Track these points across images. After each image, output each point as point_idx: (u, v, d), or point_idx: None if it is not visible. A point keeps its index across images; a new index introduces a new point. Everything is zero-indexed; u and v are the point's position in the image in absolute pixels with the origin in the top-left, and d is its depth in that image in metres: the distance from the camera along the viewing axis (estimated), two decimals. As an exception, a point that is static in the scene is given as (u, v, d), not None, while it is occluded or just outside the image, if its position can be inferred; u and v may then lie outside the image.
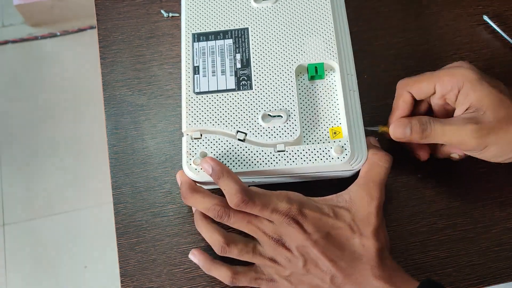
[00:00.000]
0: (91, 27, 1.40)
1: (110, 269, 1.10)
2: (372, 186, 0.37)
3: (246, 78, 0.41)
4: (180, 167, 0.44)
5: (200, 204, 0.37)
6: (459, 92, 0.38)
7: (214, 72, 0.41)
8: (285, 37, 0.42)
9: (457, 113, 0.39)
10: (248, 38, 0.42)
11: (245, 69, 0.41)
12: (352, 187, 0.38)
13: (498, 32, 0.50)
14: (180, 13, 0.51)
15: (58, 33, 1.40)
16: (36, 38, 1.39)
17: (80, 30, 1.40)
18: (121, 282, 0.40)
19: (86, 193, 1.20)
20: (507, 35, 0.50)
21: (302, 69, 0.42)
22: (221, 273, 0.38)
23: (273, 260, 0.37)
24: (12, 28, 1.41)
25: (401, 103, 0.40)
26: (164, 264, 0.41)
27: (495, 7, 0.52)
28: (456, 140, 0.37)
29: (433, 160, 0.44)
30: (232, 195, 0.35)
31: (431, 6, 0.52)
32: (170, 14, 0.51)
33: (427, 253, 0.41)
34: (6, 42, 1.39)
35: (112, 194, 0.43)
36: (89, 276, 1.13)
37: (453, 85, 0.38)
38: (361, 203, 0.37)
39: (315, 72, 0.41)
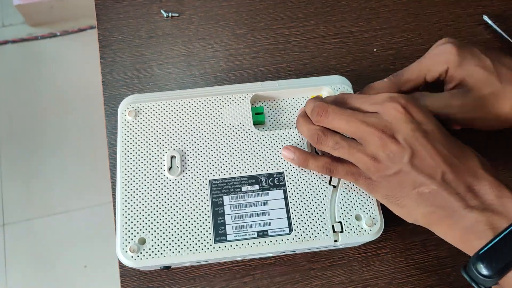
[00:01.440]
0: (91, 27, 1.40)
1: (110, 269, 1.10)
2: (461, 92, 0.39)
3: None
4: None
5: (307, 106, 0.37)
6: (446, 74, 0.40)
7: None
8: None
9: (446, 89, 0.41)
10: None
11: None
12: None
13: (498, 32, 0.50)
14: (180, 13, 0.51)
15: (58, 33, 1.40)
16: (36, 38, 1.39)
17: (80, 30, 1.40)
18: (121, 282, 0.40)
19: (86, 193, 1.20)
20: (507, 35, 0.50)
21: None
22: (319, 162, 0.36)
23: (374, 158, 0.33)
24: (12, 28, 1.41)
25: None
26: (164, 264, 0.41)
27: (495, 7, 0.52)
28: (445, 112, 0.39)
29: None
30: (337, 96, 0.37)
31: (431, 6, 0.52)
32: (170, 14, 0.51)
33: (427, 253, 0.41)
34: (6, 42, 1.39)
35: (112, 194, 0.43)
36: (89, 276, 1.13)
37: (440, 71, 0.40)
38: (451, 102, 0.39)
39: None
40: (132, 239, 0.36)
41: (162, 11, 0.51)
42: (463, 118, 0.39)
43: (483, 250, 0.30)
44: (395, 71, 0.49)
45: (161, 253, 0.36)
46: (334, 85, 0.42)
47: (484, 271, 0.30)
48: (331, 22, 0.51)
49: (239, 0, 0.52)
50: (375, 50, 0.50)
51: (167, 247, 0.36)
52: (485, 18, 0.51)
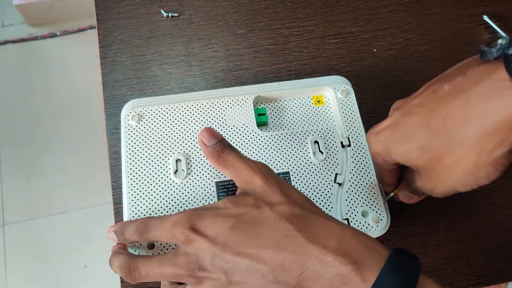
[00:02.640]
0: (91, 27, 1.40)
1: (110, 269, 1.10)
2: (251, 165, 0.34)
3: None
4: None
5: (114, 263, 0.34)
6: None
7: None
8: None
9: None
10: None
11: None
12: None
13: (498, 32, 0.50)
14: (180, 13, 0.51)
15: (58, 33, 1.40)
16: (36, 38, 1.39)
17: (80, 30, 1.40)
18: (121, 282, 0.40)
19: (86, 193, 1.20)
20: (507, 35, 0.50)
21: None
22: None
23: None
24: (12, 28, 1.41)
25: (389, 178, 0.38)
26: (164, 264, 0.41)
27: (495, 7, 0.52)
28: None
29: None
30: (136, 226, 0.34)
31: (431, 7, 0.52)
32: (170, 14, 0.51)
33: (426, 254, 0.41)
34: (6, 42, 1.39)
35: (112, 194, 0.43)
36: (89, 276, 1.13)
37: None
38: (247, 181, 0.33)
39: None
40: (140, 244, 0.36)
41: (162, 11, 0.51)
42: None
43: None
44: (395, 71, 0.49)
45: None
46: (334, 85, 0.42)
47: None
48: (331, 22, 0.51)
49: (239, 0, 0.52)
50: (375, 50, 0.50)
51: None
52: (485, 18, 0.51)
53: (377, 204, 0.38)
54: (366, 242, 0.28)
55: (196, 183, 0.38)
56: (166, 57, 0.49)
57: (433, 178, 0.32)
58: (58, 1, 1.34)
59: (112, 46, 0.49)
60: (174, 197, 0.38)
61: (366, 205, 0.38)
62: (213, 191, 0.38)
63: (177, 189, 0.38)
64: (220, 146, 0.34)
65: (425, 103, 0.31)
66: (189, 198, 0.38)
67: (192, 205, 0.38)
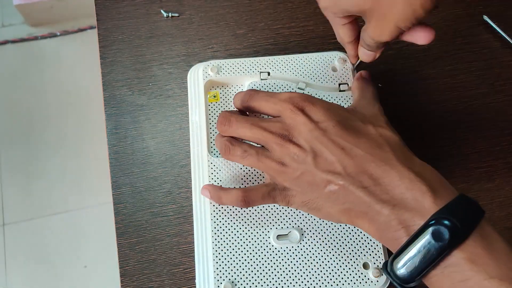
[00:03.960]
0: (91, 27, 1.40)
1: (110, 269, 1.10)
2: (375, 103, 0.38)
3: None
4: (179, 167, 0.44)
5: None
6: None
7: None
8: None
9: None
10: None
11: None
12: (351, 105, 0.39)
13: (498, 32, 0.50)
14: (180, 13, 0.51)
15: (58, 33, 1.40)
16: (36, 38, 1.39)
17: (80, 30, 1.40)
18: (121, 282, 0.40)
19: (86, 193, 1.20)
20: (507, 35, 0.50)
21: None
22: (232, 196, 0.35)
23: (281, 163, 0.33)
24: (12, 28, 1.41)
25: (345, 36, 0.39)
26: (164, 264, 0.41)
27: (495, 7, 0.52)
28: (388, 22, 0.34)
29: (433, 161, 0.44)
30: (244, 93, 0.37)
31: (431, 6, 0.52)
32: (170, 14, 0.51)
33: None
34: (6, 42, 1.39)
35: (112, 194, 0.43)
36: (89, 276, 1.13)
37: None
38: (364, 106, 0.37)
39: None
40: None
41: (162, 11, 0.51)
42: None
43: (398, 254, 0.29)
44: (395, 71, 0.49)
45: None
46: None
47: (403, 275, 0.28)
48: (331, 22, 0.51)
49: (239, 0, 0.52)
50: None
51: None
52: (485, 18, 0.51)
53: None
54: (442, 179, 0.31)
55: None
56: (166, 57, 0.49)
57: (379, 20, 0.33)
58: (58, 1, 1.34)
59: (112, 46, 0.49)
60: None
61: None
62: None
63: None
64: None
65: None
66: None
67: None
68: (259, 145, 0.36)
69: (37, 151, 1.26)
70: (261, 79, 0.42)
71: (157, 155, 0.45)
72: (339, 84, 0.43)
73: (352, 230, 0.38)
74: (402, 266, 0.28)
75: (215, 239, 0.37)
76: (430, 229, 0.28)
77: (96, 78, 0.52)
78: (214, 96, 0.43)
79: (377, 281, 0.37)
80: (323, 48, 0.50)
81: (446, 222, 0.27)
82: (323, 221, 0.38)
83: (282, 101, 0.34)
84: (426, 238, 0.27)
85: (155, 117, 0.46)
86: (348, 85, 0.43)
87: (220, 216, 0.38)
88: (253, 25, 0.51)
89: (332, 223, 0.38)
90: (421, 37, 0.34)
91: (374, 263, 0.37)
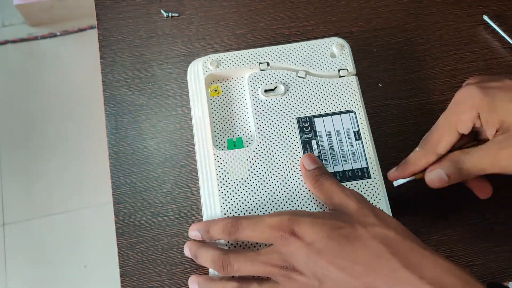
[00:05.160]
0: (91, 27, 1.40)
1: (110, 269, 1.10)
2: (337, 190, 0.35)
3: None
4: (179, 167, 0.44)
5: (204, 257, 0.36)
6: (480, 120, 0.34)
7: None
8: None
9: (489, 137, 0.35)
10: None
11: None
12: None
13: (498, 32, 0.50)
14: (180, 13, 0.51)
15: (58, 33, 1.40)
16: (36, 38, 1.39)
17: (80, 30, 1.40)
18: (121, 282, 0.40)
19: (86, 193, 1.20)
20: (507, 35, 0.50)
21: None
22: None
23: None
24: (12, 28, 1.41)
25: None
26: (164, 264, 0.41)
27: (495, 7, 0.52)
28: (497, 170, 0.34)
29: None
30: (223, 225, 0.35)
31: (431, 6, 0.52)
32: (170, 14, 0.51)
33: (427, 253, 0.41)
34: (6, 42, 1.38)
35: (112, 194, 0.43)
36: (89, 276, 1.13)
37: (472, 119, 0.34)
38: (341, 204, 0.34)
39: None
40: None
41: (162, 11, 0.51)
42: None
43: None
44: (394, 71, 0.49)
45: None
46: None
47: None
48: (330, 22, 0.51)
49: (239, 0, 0.52)
50: (375, 50, 0.50)
51: None
52: (485, 18, 0.51)
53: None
54: (464, 278, 0.28)
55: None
56: (166, 57, 0.49)
57: None
58: (58, 1, 1.34)
59: (112, 46, 0.49)
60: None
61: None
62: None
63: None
64: (319, 172, 0.37)
65: None
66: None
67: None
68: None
69: (37, 151, 1.25)
70: (261, 70, 0.43)
71: (157, 155, 0.45)
72: (339, 70, 0.43)
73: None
74: None
75: None
76: None
77: (96, 78, 0.52)
78: (215, 90, 0.43)
79: None
80: (323, 48, 0.50)
81: None
82: None
83: (269, 229, 0.33)
84: None
85: (155, 117, 0.46)
86: (347, 70, 0.43)
87: (230, 213, 0.38)
88: (253, 25, 0.51)
89: None
90: (484, 193, 0.37)
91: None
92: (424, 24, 0.51)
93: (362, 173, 0.40)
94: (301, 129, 0.41)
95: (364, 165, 0.40)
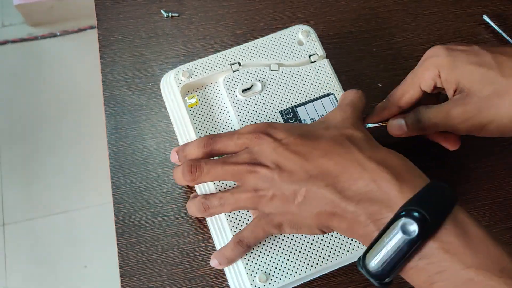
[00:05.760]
0: (91, 27, 1.40)
1: (110, 269, 1.10)
2: (347, 108, 0.36)
3: None
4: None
5: (176, 170, 0.36)
6: (440, 79, 0.36)
7: None
8: None
9: (448, 96, 0.37)
10: None
11: None
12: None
13: (498, 32, 0.50)
14: (180, 13, 0.51)
15: (58, 33, 1.40)
16: (36, 38, 1.39)
17: (80, 30, 1.40)
18: (121, 282, 0.40)
19: (86, 193, 1.20)
20: (507, 35, 0.50)
21: None
22: (230, 247, 0.36)
23: (255, 189, 0.33)
24: (12, 28, 1.41)
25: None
26: (164, 264, 0.41)
27: (495, 7, 0.52)
28: (448, 128, 0.36)
29: (433, 160, 0.44)
30: (198, 141, 0.36)
31: (430, 6, 0.52)
32: (170, 14, 0.51)
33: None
34: (6, 42, 1.38)
35: (112, 194, 0.43)
36: (89, 276, 1.13)
37: (433, 77, 0.36)
38: (335, 114, 0.36)
39: None
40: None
41: (162, 11, 0.51)
42: (469, 128, 0.36)
43: (368, 250, 0.28)
44: (394, 71, 0.49)
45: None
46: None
47: (376, 271, 0.27)
48: (330, 23, 0.51)
49: (239, 0, 0.52)
50: (374, 50, 0.50)
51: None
52: (485, 18, 0.51)
53: None
54: (410, 165, 0.30)
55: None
56: (166, 57, 0.49)
57: (472, 114, 0.35)
58: (58, 1, 1.34)
59: (112, 46, 0.49)
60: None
61: None
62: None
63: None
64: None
65: None
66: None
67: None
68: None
69: (37, 151, 1.25)
70: (233, 71, 0.42)
71: (157, 155, 0.45)
72: (309, 56, 0.43)
73: None
74: (374, 262, 0.27)
75: (234, 231, 0.37)
76: (400, 222, 0.26)
77: (96, 78, 0.52)
78: (193, 100, 0.42)
79: None
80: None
81: (415, 214, 0.26)
82: None
83: (246, 133, 0.34)
84: (395, 232, 0.26)
85: (155, 117, 0.46)
86: (317, 55, 0.43)
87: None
88: (253, 25, 0.51)
89: None
90: (450, 145, 0.39)
91: None
92: (423, 24, 0.51)
93: None
94: (286, 121, 0.41)
95: None
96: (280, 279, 0.36)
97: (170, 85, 0.42)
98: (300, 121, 0.41)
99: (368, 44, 0.50)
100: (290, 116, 0.41)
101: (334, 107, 0.41)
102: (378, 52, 0.50)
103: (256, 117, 0.41)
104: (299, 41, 0.44)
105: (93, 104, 1.28)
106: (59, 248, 1.15)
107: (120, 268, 0.41)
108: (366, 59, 0.49)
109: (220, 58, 0.42)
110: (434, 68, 0.36)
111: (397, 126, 0.38)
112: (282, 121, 0.41)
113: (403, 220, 0.26)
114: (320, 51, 0.43)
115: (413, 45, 0.50)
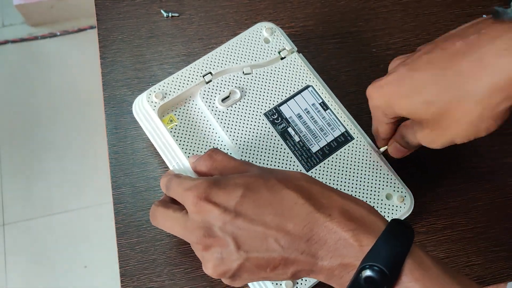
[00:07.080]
0: (91, 27, 1.40)
1: (110, 269, 1.10)
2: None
3: None
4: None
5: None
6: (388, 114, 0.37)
7: None
8: None
9: None
10: None
11: None
12: None
13: (497, 32, 0.50)
14: (180, 13, 0.51)
15: (58, 33, 1.40)
16: (36, 38, 1.39)
17: (80, 30, 1.40)
18: (121, 282, 0.40)
19: (86, 193, 1.20)
20: None
21: None
22: None
23: (221, 259, 0.31)
24: (12, 28, 1.41)
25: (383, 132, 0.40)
26: (165, 264, 0.41)
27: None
28: (427, 145, 0.36)
29: (433, 161, 0.44)
30: (163, 180, 0.36)
31: (430, 7, 0.52)
32: (170, 14, 0.51)
33: (426, 253, 0.41)
34: (6, 42, 1.39)
35: (112, 194, 0.43)
36: (89, 276, 1.13)
37: (384, 114, 0.37)
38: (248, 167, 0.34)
39: None
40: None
41: (162, 11, 0.51)
42: (445, 144, 0.35)
43: None
44: (394, 71, 0.49)
45: None
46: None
47: None
48: (330, 23, 0.51)
49: (239, 0, 0.52)
50: (374, 50, 0.50)
51: None
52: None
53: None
54: (366, 212, 0.30)
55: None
56: (166, 57, 0.49)
57: (435, 131, 0.34)
58: (58, 1, 1.34)
59: (112, 46, 0.49)
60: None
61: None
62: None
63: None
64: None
65: (435, 60, 0.33)
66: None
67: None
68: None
69: (37, 151, 1.26)
70: (206, 82, 0.41)
71: (157, 155, 0.45)
72: (279, 52, 0.43)
73: (367, 171, 0.40)
74: None
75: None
76: (363, 276, 0.28)
77: (96, 78, 0.52)
78: (171, 121, 0.41)
79: (404, 204, 0.39)
80: (322, 48, 0.50)
81: (375, 267, 0.27)
82: (343, 169, 0.41)
83: (184, 192, 0.32)
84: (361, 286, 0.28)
85: (155, 117, 0.46)
86: (286, 49, 0.43)
87: None
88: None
89: (351, 167, 0.40)
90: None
91: (395, 191, 0.39)
92: (423, 25, 0.51)
93: (345, 138, 0.41)
94: (273, 123, 0.41)
95: (342, 130, 0.41)
96: (307, 280, 0.37)
97: (145, 109, 0.41)
98: (286, 119, 0.41)
99: (367, 44, 0.50)
100: (275, 117, 0.41)
101: (315, 99, 0.42)
102: (378, 52, 0.50)
103: (242, 125, 0.41)
104: (265, 39, 0.43)
105: (93, 104, 1.28)
106: (59, 248, 1.15)
107: (120, 268, 0.41)
108: (366, 59, 0.49)
109: (190, 72, 0.42)
110: (377, 109, 0.37)
111: (396, 151, 0.40)
112: (269, 124, 0.41)
113: (366, 273, 0.28)
114: (288, 46, 0.43)
115: (412, 45, 0.50)
